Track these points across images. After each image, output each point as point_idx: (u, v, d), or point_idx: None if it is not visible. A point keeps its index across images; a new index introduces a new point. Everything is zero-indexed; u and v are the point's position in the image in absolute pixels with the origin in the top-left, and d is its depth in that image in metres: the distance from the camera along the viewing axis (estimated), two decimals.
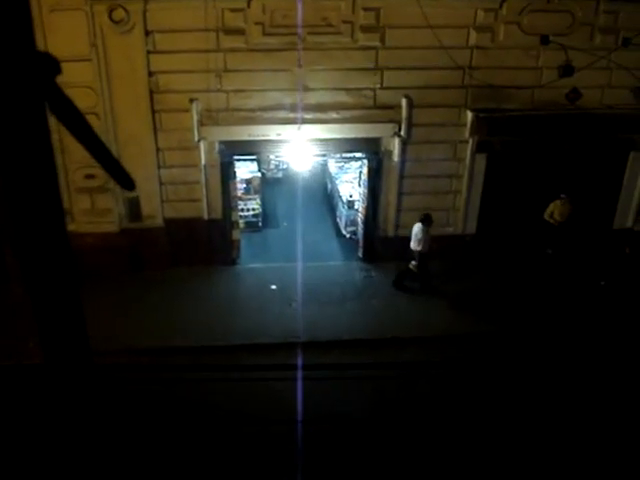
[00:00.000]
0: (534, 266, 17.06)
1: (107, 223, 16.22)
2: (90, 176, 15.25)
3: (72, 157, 14.94)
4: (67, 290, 3.10)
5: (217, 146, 15.87)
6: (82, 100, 14.63)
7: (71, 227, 15.99)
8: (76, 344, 3.21)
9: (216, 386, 12.58)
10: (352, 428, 11.66)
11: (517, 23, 15.15)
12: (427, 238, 15.91)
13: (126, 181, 3.61)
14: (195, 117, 15.31)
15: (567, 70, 14.33)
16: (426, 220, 15.86)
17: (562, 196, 16.88)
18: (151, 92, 15.07)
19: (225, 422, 11.64)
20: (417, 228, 15.97)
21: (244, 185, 19.71)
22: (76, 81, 14.16)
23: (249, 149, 16.48)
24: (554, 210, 17.06)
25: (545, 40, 14.55)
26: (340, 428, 11.62)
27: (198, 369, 13.20)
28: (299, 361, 13.10)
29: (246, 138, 15.69)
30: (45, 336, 3.13)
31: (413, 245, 16.10)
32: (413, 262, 16.21)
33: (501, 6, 14.97)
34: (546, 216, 17.18)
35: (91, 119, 14.94)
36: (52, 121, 2.94)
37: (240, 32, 14.76)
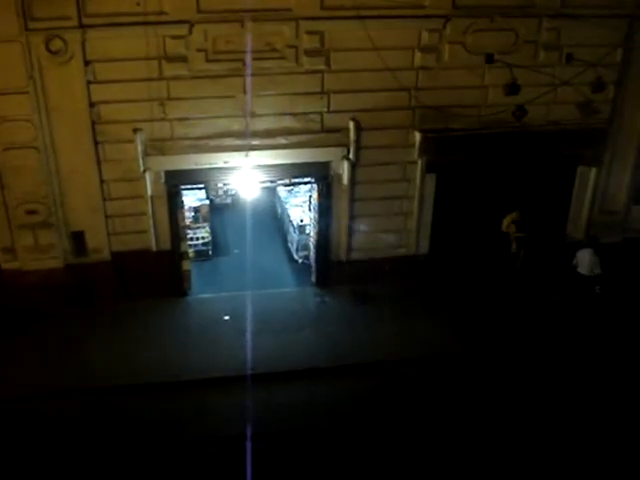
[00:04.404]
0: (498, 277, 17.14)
1: (51, 259, 15.67)
2: (31, 212, 14.86)
3: (12, 193, 14.63)
4: None
5: (163, 176, 15.50)
6: (20, 134, 14.36)
7: (15, 265, 15.56)
8: None
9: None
10: None
11: (461, 43, 15.19)
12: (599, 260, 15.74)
13: None
14: (139, 147, 14.93)
15: (513, 88, 14.40)
16: (595, 242, 15.96)
17: (515, 211, 16.97)
18: (93, 123, 14.64)
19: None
20: (587, 254, 15.77)
21: (192, 213, 19.34)
22: (13, 114, 13.89)
23: (196, 178, 16.11)
24: (509, 222, 17.11)
25: (490, 59, 14.60)
26: None
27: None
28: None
29: (193, 167, 15.39)
30: None
31: (587, 271, 15.76)
32: (597, 286, 15.85)
33: (445, 26, 14.98)
34: (504, 228, 17.17)
35: (31, 153, 14.62)
36: None
37: (182, 59, 14.46)
